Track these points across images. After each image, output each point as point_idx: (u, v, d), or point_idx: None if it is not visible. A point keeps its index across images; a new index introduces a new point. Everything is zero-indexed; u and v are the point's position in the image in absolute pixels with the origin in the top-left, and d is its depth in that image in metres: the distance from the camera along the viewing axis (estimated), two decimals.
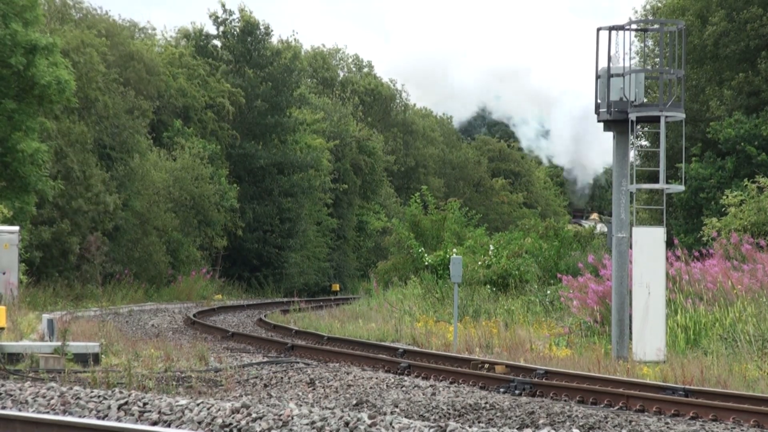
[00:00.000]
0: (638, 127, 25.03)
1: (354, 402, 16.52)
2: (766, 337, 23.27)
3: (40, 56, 35.67)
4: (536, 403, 16.95)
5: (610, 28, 24.94)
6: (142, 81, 53.79)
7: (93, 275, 45.05)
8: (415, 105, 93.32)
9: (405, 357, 24.64)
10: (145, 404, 13.80)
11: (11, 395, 14.85)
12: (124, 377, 17.69)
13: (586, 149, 78.91)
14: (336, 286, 68.22)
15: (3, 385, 15.43)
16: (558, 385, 18.99)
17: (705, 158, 39.69)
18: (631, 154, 26.21)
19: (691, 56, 40.49)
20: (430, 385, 18.65)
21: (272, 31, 67.62)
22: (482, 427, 13.64)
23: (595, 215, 65.68)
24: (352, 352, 25.78)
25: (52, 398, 14.54)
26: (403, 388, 18.24)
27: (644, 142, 41.14)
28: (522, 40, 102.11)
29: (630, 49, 25.34)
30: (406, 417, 15.03)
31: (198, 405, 13.50)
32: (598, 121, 25.10)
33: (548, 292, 34.70)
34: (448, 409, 15.97)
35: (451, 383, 19.97)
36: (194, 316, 38.46)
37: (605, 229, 59.55)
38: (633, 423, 15.22)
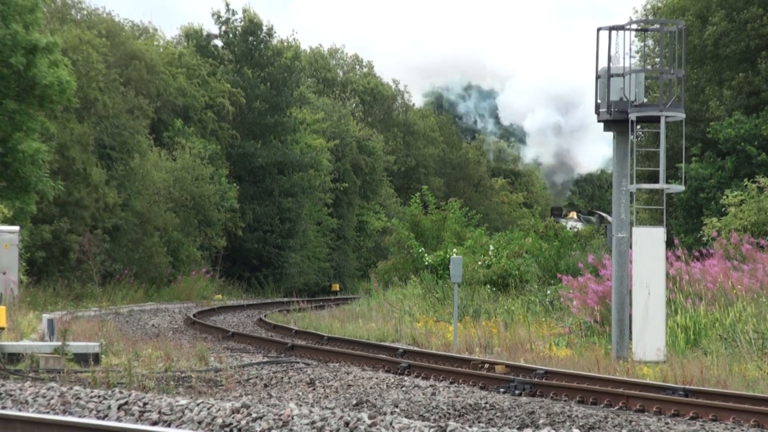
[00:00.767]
0: (638, 127, 25.00)
1: (354, 402, 16.53)
2: (766, 337, 23.27)
3: (40, 56, 35.68)
4: (536, 403, 16.95)
5: (611, 28, 24.94)
6: (143, 81, 53.79)
7: (91, 275, 45.06)
8: (414, 105, 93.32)
9: (405, 357, 24.64)
10: (145, 404, 13.80)
11: (11, 395, 14.86)
12: (124, 377, 17.69)
13: (569, 147, 78.63)
14: (336, 286, 68.22)
15: (3, 385, 15.43)
16: (558, 385, 18.99)
17: (705, 158, 39.69)
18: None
19: (691, 56, 40.48)
20: (430, 385, 18.65)
21: (275, 32, 67.69)
22: (482, 427, 13.64)
23: (573, 214, 65.52)
24: (352, 352, 25.78)
25: (52, 398, 14.55)
26: (403, 388, 18.24)
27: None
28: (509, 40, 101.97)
29: (630, 49, 25.36)
30: (406, 417, 15.03)
31: (198, 405, 13.51)
32: (599, 121, 25.11)
33: (548, 292, 34.69)
34: (448, 409, 15.97)
35: (451, 383, 19.97)
36: (194, 316, 38.46)
37: (579, 226, 59.64)
38: (633, 423, 15.23)
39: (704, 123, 40.23)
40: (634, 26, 26.73)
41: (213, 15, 66.36)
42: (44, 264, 43.54)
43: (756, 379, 20.28)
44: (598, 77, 24.97)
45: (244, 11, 66.18)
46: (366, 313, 37.06)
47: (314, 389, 18.08)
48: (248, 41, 66.07)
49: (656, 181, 25.11)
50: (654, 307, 23.88)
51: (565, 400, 18.12)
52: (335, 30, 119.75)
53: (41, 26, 37.75)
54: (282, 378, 19.26)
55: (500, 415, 15.63)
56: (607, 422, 15.22)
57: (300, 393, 17.63)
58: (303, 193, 65.53)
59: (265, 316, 39.70)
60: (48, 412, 13.85)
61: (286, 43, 70.96)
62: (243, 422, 12.58)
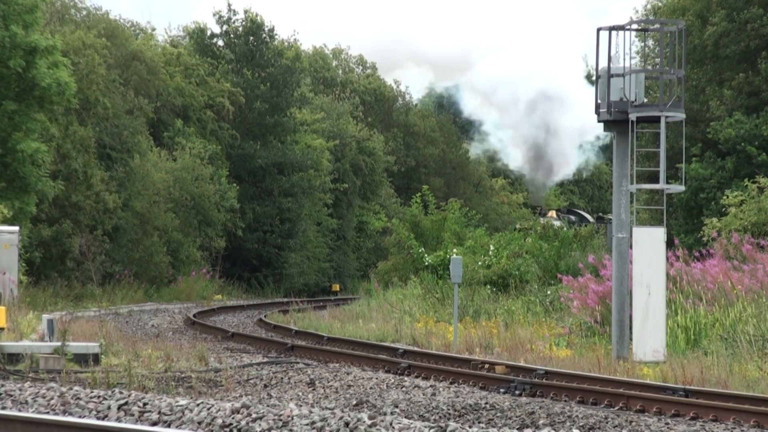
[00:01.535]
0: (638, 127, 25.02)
1: (354, 402, 16.52)
2: (767, 338, 23.26)
3: (40, 58, 35.68)
4: (536, 403, 16.95)
5: (611, 28, 24.94)
6: (142, 81, 53.79)
7: (90, 275, 45.04)
8: (417, 105, 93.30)
9: (405, 357, 24.64)
10: (145, 404, 13.79)
11: (11, 395, 14.85)
12: (124, 377, 17.68)
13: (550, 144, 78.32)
14: (336, 287, 68.19)
15: (3, 386, 15.42)
16: (558, 386, 18.99)
17: (705, 158, 39.68)
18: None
19: (692, 56, 40.47)
20: (430, 386, 18.64)
21: (277, 34, 67.66)
22: (482, 428, 13.63)
23: (552, 213, 65.45)
24: (352, 352, 25.77)
25: (52, 398, 14.54)
26: (403, 389, 18.24)
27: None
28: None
29: (630, 49, 25.35)
30: (406, 417, 15.02)
31: (198, 405, 13.50)
32: (599, 121, 25.11)
33: (548, 292, 34.68)
34: (448, 410, 15.96)
35: (451, 383, 19.97)
36: (194, 316, 38.46)
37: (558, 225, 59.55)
38: (633, 423, 15.22)
39: (704, 123, 40.22)
40: (634, 26, 26.73)
41: (214, 15, 66.43)
42: (44, 264, 43.53)
43: (756, 379, 20.27)
44: (598, 77, 24.97)
45: (246, 11, 66.23)
46: (366, 313, 37.06)
47: (314, 389, 18.07)
48: (249, 41, 66.09)
49: (656, 181, 25.10)
50: (654, 307, 23.88)
51: (565, 401, 18.11)
52: (339, 30, 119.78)
53: (41, 27, 37.74)
54: (282, 378, 19.25)
55: (500, 416, 15.63)
56: (607, 422, 15.22)
57: (300, 393, 17.62)
58: (303, 194, 65.53)
59: (265, 316, 39.70)
60: (48, 413, 13.84)
61: (287, 43, 70.96)
62: (243, 422, 12.58)
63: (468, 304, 33.63)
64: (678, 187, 27.04)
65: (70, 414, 13.80)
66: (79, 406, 14.09)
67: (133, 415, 13.52)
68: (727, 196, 34.66)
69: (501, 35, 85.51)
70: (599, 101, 24.80)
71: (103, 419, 13.45)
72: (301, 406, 15.50)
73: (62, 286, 42.42)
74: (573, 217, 65.84)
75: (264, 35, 66.40)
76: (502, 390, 19.18)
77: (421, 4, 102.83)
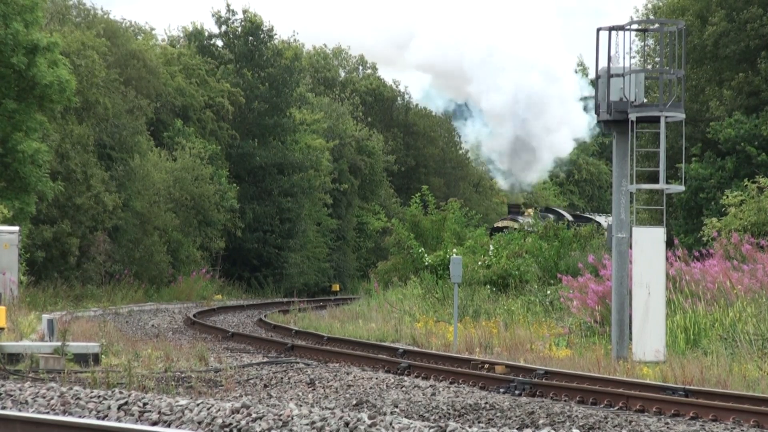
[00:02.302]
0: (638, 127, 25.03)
1: (354, 402, 16.53)
2: (766, 338, 23.26)
3: (40, 56, 35.69)
4: (536, 403, 16.96)
5: (611, 28, 24.94)
6: (142, 80, 53.80)
7: (94, 274, 45.03)
8: (417, 105, 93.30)
9: (405, 357, 24.64)
10: (145, 404, 13.80)
11: (11, 395, 14.85)
12: (124, 377, 17.69)
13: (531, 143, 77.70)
14: (336, 287, 68.17)
15: (3, 386, 15.43)
16: (558, 386, 18.99)
17: (705, 158, 39.67)
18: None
19: (691, 56, 40.47)
20: (430, 386, 18.65)
21: (276, 34, 67.68)
22: (482, 428, 13.64)
23: (529, 211, 65.20)
24: (352, 352, 25.77)
25: (52, 398, 14.55)
26: (403, 389, 18.24)
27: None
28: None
29: (630, 49, 25.36)
30: (406, 417, 15.03)
31: (198, 405, 13.50)
32: (599, 121, 25.12)
33: (548, 292, 34.68)
34: (448, 410, 15.97)
35: (451, 383, 19.97)
36: (194, 316, 38.46)
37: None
38: (633, 423, 15.22)
39: (704, 123, 40.22)
40: (634, 26, 26.73)
41: (213, 15, 66.45)
42: (44, 264, 43.54)
43: (756, 379, 20.27)
44: (598, 77, 24.97)
45: (245, 12, 66.25)
46: (366, 313, 37.06)
47: (314, 389, 18.08)
48: (248, 42, 66.10)
49: (656, 181, 25.10)
50: (654, 307, 23.88)
51: (565, 401, 18.11)
52: (340, 30, 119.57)
53: (41, 25, 37.76)
54: (282, 378, 19.26)
55: (500, 416, 15.63)
56: (607, 422, 15.22)
57: (300, 393, 17.63)
58: (303, 194, 65.54)
59: (265, 316, 39.70)
60: (48, 413, 13.85)
61: (286, 44, 70.93)
62: (243, 422, 12.58)
63: (468, 304, 33.63)
64: (678, 187, 27.04)
65: (70, 414, 13.80)
66: (79, 406, 14.10)
67: (133, 415, 13.53)
68: (727, 196, 34.65)
69: (495, 35, 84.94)
70: (599, 101, 24.80)
71: (103, 419, 13.46)
72: (301, 406, 15.51)
73: (62, 286, 42.43)
74: (551, 216, 65.76)
75: (263, 35, 66.42)
76: (501, 390, 19.18)
77: (419, 5, 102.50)
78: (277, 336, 31.73)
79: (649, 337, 23.70)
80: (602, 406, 17.75)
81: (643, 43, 34.48)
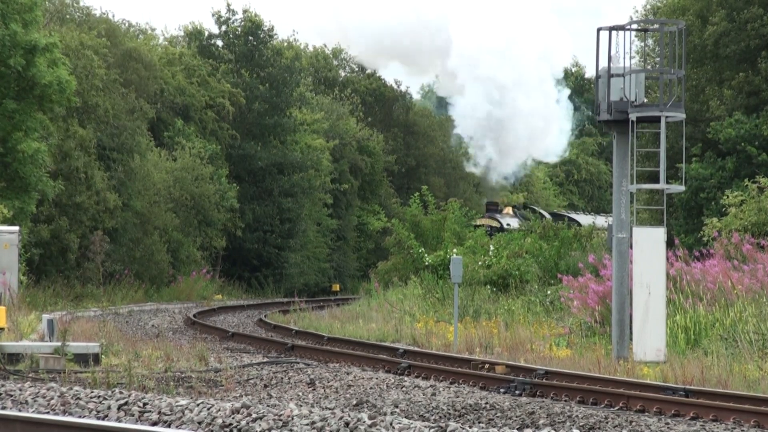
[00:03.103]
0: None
1: (354, 402, 16.52)
2: (767, 338, 23.26)
3: (39, 56, 35.67)
4: (536, 403, 16.95)
5: (611, 28, 24.94)
6: (142, 80, 53.79)
7: (95, 274, 45.02)
8: (416, 105, 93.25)
9: (405, 357, 24.63)
10: (145, 404, 13.79)
11: (11, 395, 14.85)
12: (124, 377, 17.68)
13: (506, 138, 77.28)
14: (336, 287, 68.15)
15: (3, 386, 15.42)
16: (558, 386, 18.99)
17: (705, 158, 39.67)
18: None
19: (692, 56, 40.46)
20: (431, 386, 18.64)
21: (276, 34, 67.66)
22: (482, 428, 13.63)
23: (508, 209, 64.99)
24: (353, 352, 25.77)
25: (52, 398, 14.54)
26: (404, 389, 18.23)
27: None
28: None
29: (630, 49, 25.35)
30: (406, 417, 15.02)
31: (198, 405, 13.50)
32: (598, 121, 25.12)
33: (548, 292, 34.68)
34: (449, 410, 15.96)
35: (451, 383, 19.97)
36: (194, 316, 38.46)
37: (515, 222, 59.39)
38: (633, 423, 15.22)
39: (704, 123, 40.21)
40: (634, 26, 26.73)
41: (213, 15, 66.45)
42: (43, 264, 43.52)
43: (756, 379, 20.27)
44: (598, 77, 24.97)
45: (245, 11, 66.24)
46: (366, 313, 37.05)
47: (314, 389, 18.07)
48: (248, 42, 66.10)
49: (656, 181, 25.10)
50: (654, 307, 23.87)
51: (565, 401, 18.11)
52: (341, 30, 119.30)
53: (40, 25, 37.74)
54: (282, 378, 19.25)
55: (500, 416, 15.63)
56: (607, 422, 15.21)
57: (300, 393, 17.62)
58: (303, 194, 65.53)
59: (265, 316, 39.70)
60: (48, 413, 13.84)
61: (286, 43, 70.90)
62: (243, 422, 12.57)
63: (468, 304, 33.63)
64: (678, 187, 27.03)
65: (70, 414, 13.80)
66: (79, 406, 14.09)
67: (133, 415, 13.52)
68: (727, 196, 34.65)
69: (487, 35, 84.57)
70: (599, 101, 24.80)
71: (103, 419, 13.45)
72: (301, 406, 15.50)
73: (62, 286, 42.42)
74: (530, 214, 65.71)
75: (263, 35, 66.41)
76: (502, 390, 19.17)
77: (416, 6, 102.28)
78: (277, 336, 31.72)
79: (650, 337, 23.70)
80: (603, 406, 17.74)
81: (643, 43, 34.49)
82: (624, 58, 24.57)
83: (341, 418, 12.39)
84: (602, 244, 40.82)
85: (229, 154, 63.33)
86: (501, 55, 75.64)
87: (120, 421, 13.24)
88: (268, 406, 14.40)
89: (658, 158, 24.90)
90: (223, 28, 66.51)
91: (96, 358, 19.89)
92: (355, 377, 19.35)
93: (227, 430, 12.59)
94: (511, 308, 32.93)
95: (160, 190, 53.70)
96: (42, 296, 38.44)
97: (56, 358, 19.63)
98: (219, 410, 13.14)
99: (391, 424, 12.05)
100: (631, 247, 24.57)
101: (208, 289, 53.87)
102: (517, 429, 14.45)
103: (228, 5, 66.12)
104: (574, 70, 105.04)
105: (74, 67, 42.85)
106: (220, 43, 66.79)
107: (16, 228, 33.64)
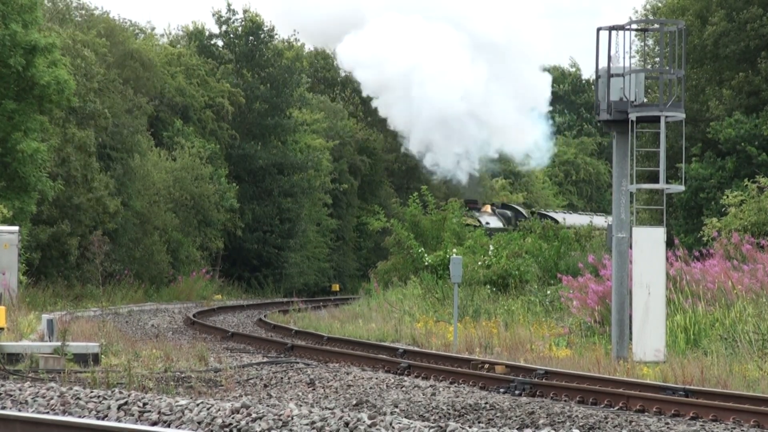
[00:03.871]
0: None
1: (354, 402, 16.52)
2: (767, 338, 23.25)
3: (39, 56, 35.66)
4: (536, 403, 16.95)
5: (611, 28, 24.94)
6: (141, 79, 53.78)
7: (94, 275, 44.99)
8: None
9: (405, 357, 24.63)
10: (144, 404, 13.79)
11: (11, 395, 14.84)
12: (123, 377, 17.68)
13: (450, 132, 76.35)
14: (336, 287, 68.14)
15: (3, 386, 15.42)
16: (558, 386, 18.99)
17: (705, 158, 39.66)
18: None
19: (691, 56, 40.45)
20: (430, 386, 18.64)
21: (276, 34, 67.68)
22: (482, 428, 13.63)
23: (487, 207, 64.79)
24: (352, 352, 25.77)
25: (51, 398, 14.53)
26: (403, 389, 18.23)
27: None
28: None
29: (630, 49, 25.35)
30: (406, 417, 15.02)
31: (198, 405, 13.49)
32: (598, 121, 25.12)
33: (548, 292, 34.67)
34: (448, 410, 15.96)
35: (451, 383, 19.96)
36: (194, 316, 38.46)
37: (494, 220, 59.24)
38: (633, 423, 15.22)
39: (704, 123, 40.20)
40: (634, 26, 26.72)
41: (214, 15, 66.46)
42: (44, 265, 43.51)
43: (756, 379, 20.27)
44: (598, 77, 24.97)
45: (245, 11, 66.25)
46: (366, 313, 37.05)
47: (314, 389, 18.07)
48: (249, 42, 66.11)
49: (656, 181, 25.10)
50: (654, 307, 23.87)
51: (565, 401, 18.10)
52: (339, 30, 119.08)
53: (40, 25, 37.73)
54: (282, 378, 19.25)
55: (500, 416, 15.62)
56: (607, 422, 15.21)
57: (300, 393, 17.62)
58: (303, 194, 65.54)
59: (264, 316, 39.69)
60: (48, 413, 13.84)
61: (287, 43, 70.86)
62: (243, 422, 12.57)
63: (468, 304, 33.63)
64: (678, 187, 27.02)
65: (70, 414, 13.79)
66: (79, 406, 14.09)
67: (133, 415, 13.52)
68: (727, 196, 34.64)
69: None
70: (599, 101, 24.80)
71: (103, 419, 13.45)
72: (301, 406, 15.49)
73: (62, 286, 42.40)
74: (509, 212, 65.57)
75: (263, 35, 66.42)
76: (502, 390, 19.17)
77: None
78: (277, 336, 31.72)
79: (649, 337, 23.70)
80: (602, 406, 17.74)
81: (643, 43, 34.48)
82: (624, 58, 24.59)
83: (341, 418, 12.39)
84: (602, 244, 40.83)
85: (229, 154, 63.32)
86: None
87: (120, 421, 13.24)
88: (267, 406, 14.40)
89: (657, 158, 24.90)
90: (224, 28, 66.54)
91: (96, 358, 19.89)
92: (354, 377, 19.35)
93: (227, 430, 12.59)
94: (510, 308, 32.92)
95: (159, 189, 53.69)
96: (42, 296, 38.44)
97: (56, 358, 19.63)
98: (219, 410, 13.13)
99: (390, 424, 12.05)
100: (630, 247, 24.57)
101: (208, 289, 53.87)
102: (517, 429, 14.45)
103: (228, 5, 66.18)
104: (572, 70, 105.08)
105: (73, 65, 42.82)
106: (220, 43, 66.81)
107: (16, 228, 33.64)
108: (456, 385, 19.71)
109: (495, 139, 73.81)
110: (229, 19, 66.21)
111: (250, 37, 66.14)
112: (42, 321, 22.52)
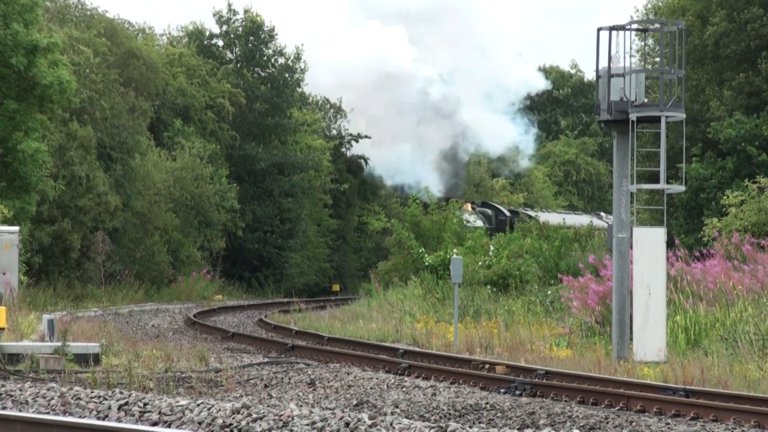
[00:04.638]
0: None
1: (354, 402, 16.52)
2: (767, 338, 23.26)
3: (40, 56, 35.68)
4: (537, 403, 16.95)
5: (611, 28, 24.94)
6: (142, 79, 53.78)
7: (96, 274, 45.00)
8: None
9: (405, 357, 24.63)
10: (145, 404, 13.79)
11: (11, 396, 14.85)
12: (124, 378, 17.68)
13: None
14: (336, 287, 68.14)
15: (3, 386, 15.42)
16: (558, 386, 18.99)
17: (705, 158, 39.67)
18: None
19: (692, 56, 40.45)
20: (431, 386, 18.65)
21: (277, 34, 67.70)
22: (483, 428, 13.63)
23: (467, 206, 64.74)
24: (353, 352, 25.76)
25: (52, 399, 14.54)
26: (404, 389, 18.24)
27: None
28: None
29: (630, 49, 25.36)
30: (406, 417, 15.02)
31: (198, 405, 13.50)
32: (599, 121, 25.12)
33: (549, 292, 34.67)
34: (449, 410, 15.96)
35: (451, 384, 19.97)
36: (194, 316, 38.46)
37: (474, 218, 59.19)
38: (634, 423, 15.22)
39: (705, 123, 40.21)
40: (635, 26, 26.72)
41: (214, 15, 66.45)
42: (45, 264, 43.52)
43: (757, 379, 20.27)
44: (598, 77, 24.97)
45: (246, 12, 66.23)
46: (366, 313, 37.04)
47: (314, 390, 18.07)
48: (249, 42, 66.11)
49: (657, 181, 25.10)
50: (654, 307, 23.87)
51: (565, 401, 18.11)
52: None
53: (41, 24, 37.74)
54: (282, 378, 19.25)
55: (501, 416, 15.63)
56: (607, 423, 15.22)
57: (300, 393, 17.62)
58: (303, 194, 65.55)
59: (265, 316, 39.70)
60: (48, 413, 13.84)
61: (286, 43, 70.94)
62: (243, 423, 12.58)
63: (468, 304, 33.63)
64: (678, 187, 27.02)
65: (71, 414, 13.80)
66: (80, 406, 14.09)
67: (133, 415, 13.52)
68: (728, 196, 34.65)
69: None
70: (599, 101, 24.80)
71: (103, 419, 13.45)
72: (301, 406, 15.50)
73: (63, 286, 42.41)
74: (489, 211, 65.54)
75: (264, 35, 66.42)
76: (502, 390, 19.17)
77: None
78: (278, 336, 31.72)
79: (650, 338, 23.70)
80: (603, 406, 17.74)
81: (643, 43, 34.49)
82: (624, 58, 24.59)
83: (341, 418, 12.39)
84: (602, 244, 40.84)
85: (229, 154, 63.33)
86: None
87: (120, 422, 13.24)
88: (268, 406, 14.40)
89: (658, 158, 24.90)
90: (224, 28, 66.55)
91: (96, 359, 19.89)
92: (355, 377, 19.35)
93: (227, 430, 12.59)
94: (511, 308, 32.92)
95: (160, 190, 53.70)
96: (42, 296, 38.44)
97: (56, 358, 19.63)
98: (219, 410, 13.14)
99: (391, 424, 12.05)
100: (631, 247, 24.57)
101: (209, 290, 53.87)
102: (518, 429, 14.45)
103: (229, 5, 66.18)
104: (573, 72, 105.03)
105: (73, 64, 42.83)
106: (221, 43, 66.82)
107: (16, 228, 33.65)
108: (456, 385, 19.71)
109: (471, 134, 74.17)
110: (230, 19, 66.22)
111: (251, 38, 66.15)
112: (42, 321, 22.53)
